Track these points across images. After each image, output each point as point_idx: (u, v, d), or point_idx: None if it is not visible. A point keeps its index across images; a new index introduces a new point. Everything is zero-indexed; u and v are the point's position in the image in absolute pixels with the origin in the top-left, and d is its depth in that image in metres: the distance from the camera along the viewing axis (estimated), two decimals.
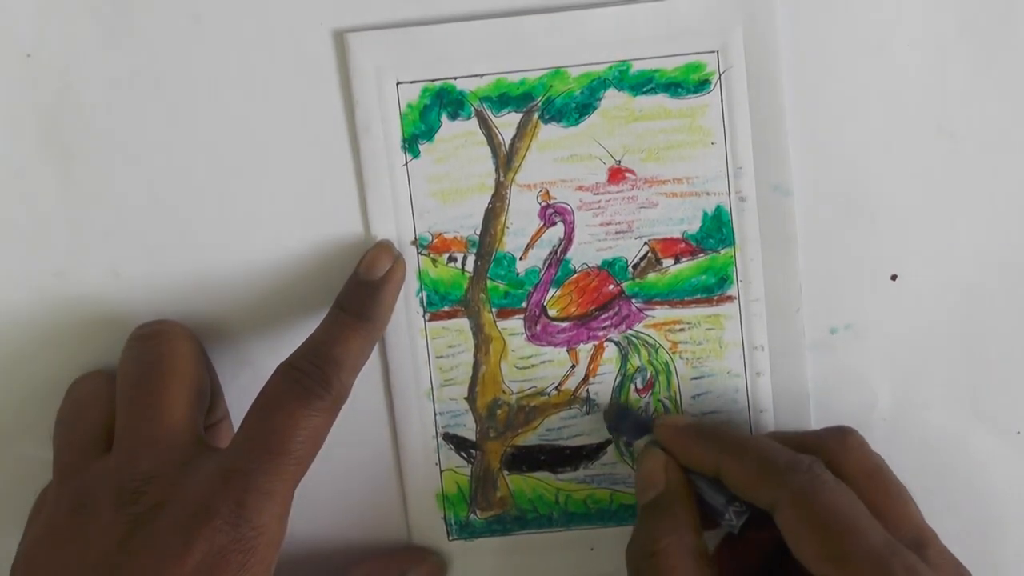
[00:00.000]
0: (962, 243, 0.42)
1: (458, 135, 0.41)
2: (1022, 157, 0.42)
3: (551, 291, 0.42)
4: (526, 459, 0.43)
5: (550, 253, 0.42)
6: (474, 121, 0.41)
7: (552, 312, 0.42)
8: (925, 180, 0.42)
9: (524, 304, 0.42)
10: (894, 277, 0.42)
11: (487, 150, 0.41)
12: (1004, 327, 0.43)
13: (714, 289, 0.42)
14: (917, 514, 0.38)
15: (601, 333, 0.42)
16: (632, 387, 0.43)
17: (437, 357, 0.43)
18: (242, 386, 0.42)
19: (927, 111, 0.41)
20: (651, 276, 0.42)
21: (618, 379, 0.43)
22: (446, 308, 0.42)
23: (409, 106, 0.41)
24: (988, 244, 0.42)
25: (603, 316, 0.42)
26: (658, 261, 0.42)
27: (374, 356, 0.42)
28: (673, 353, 0.42)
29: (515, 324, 0.42)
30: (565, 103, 0.41)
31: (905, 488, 0.38)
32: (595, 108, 0.41)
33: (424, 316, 0.42)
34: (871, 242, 0.42)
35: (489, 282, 0.42)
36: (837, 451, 0.38)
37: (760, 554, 0.40)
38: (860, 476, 0.37)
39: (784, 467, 0.36)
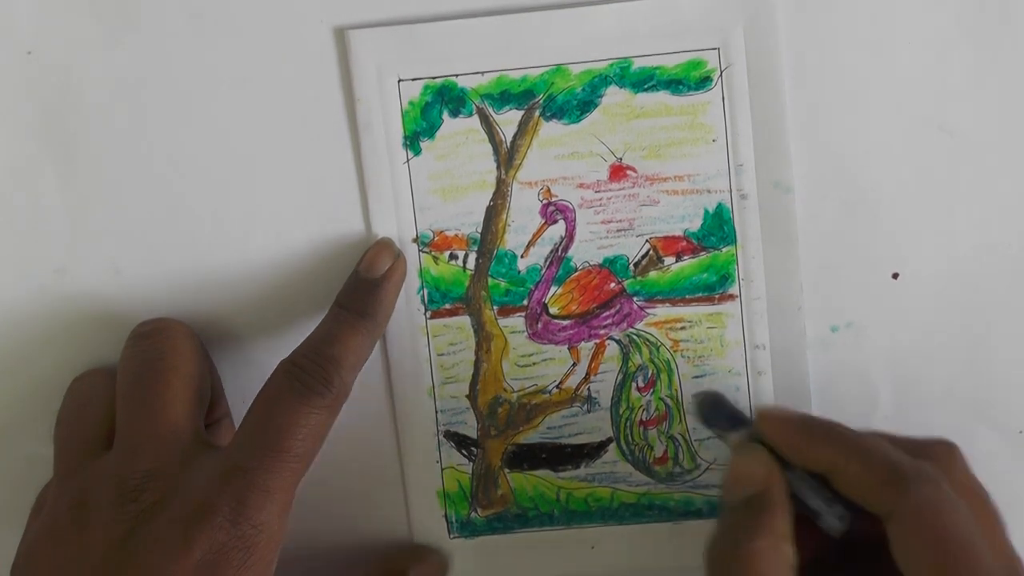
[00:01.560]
0: (964, 241, 0.42)
1: (459, 132, 0.41)
2: (1022, 154, 0.42)
3: (552, 289, 0.42)
4: (527, 457, 0.43)
5: (551, 251, 0.42)
6: (475, 118, 0.41)
7: (553, 310, 0.42)
8: (926, 178, 0.42)
9: (525, 302, 0.42)
10: (895, 275, 0.42)
11: (488, 147, 0.41)
12: (1006, 325, 0.42)
13: (715, 287, 0.42)
14: (1010, 543, 0.36)
15: (602, 331, 0.42)
16: (633, 385, 0.43)
17: (438, 355, 0.43)
18: (243, 384, 0.42)
19: (928, 108, 0.41)
20: (652, 274, 0.42)
21: (619, 377, 0.43)
22: (447, 306, 0.42)
23: (410, 103, 0.41)
24: (989, 242, 0.42)
25: (604, 314, 0.42)
26: (659, 259, 0.42)
27: (375, 354, 0.42)
28: (674, 351, 0.42)
29: (516, 322, 0.42)
30: (566, 100, 0.41)
31: (1001, 514, 0.37)
32: (596, 105, 0.41)
33: (425, 314, 0.42)
34: (872, 240, 0.42)
35: (490, 280, 0.42)
36: (947, 465, 0.37)
37: (825, 550, 0.38)
38: (966, 495, 0.36)
39: (910, 476, 0.35)
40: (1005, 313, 0.42)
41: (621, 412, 0.43)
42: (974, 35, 0.41)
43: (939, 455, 0.37)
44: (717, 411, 0.40)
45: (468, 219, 0.42)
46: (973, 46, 0.41)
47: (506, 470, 0.44)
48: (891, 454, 0.36)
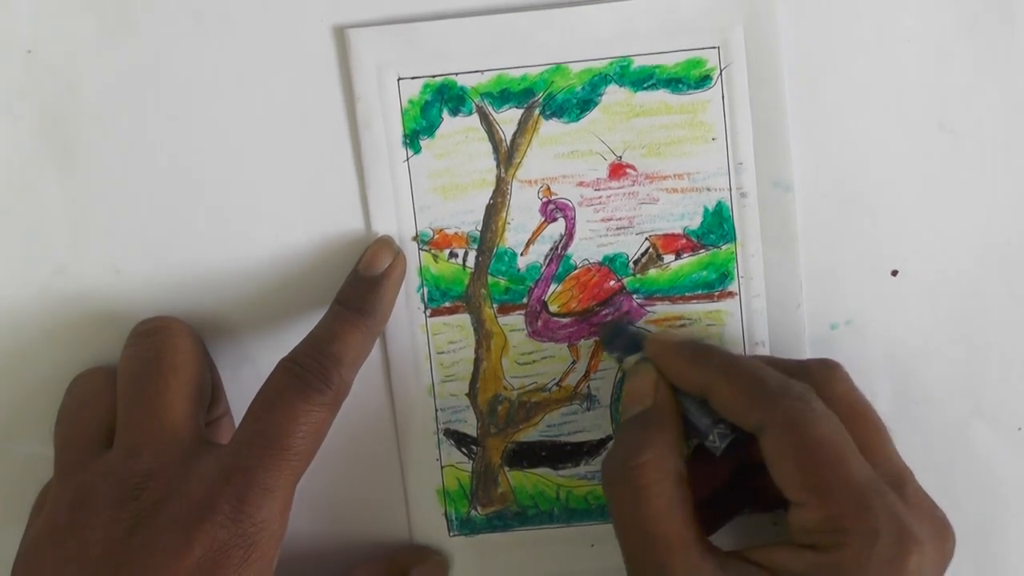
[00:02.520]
0: (963, 239, 0.42)
1: (459, 131, 0.41)
2: (1022, 153, 0.42)
3: (552, 287, 0.42)
4: (527, 455, 0.43)
5: (551, 249, 0.42)
6: (475, 117, 0.41)
7: (553, 308, 0.42)
8: (926, 176, 0.42)
9: (525, 300, 0.42)
10: (895, 273, 0.42)
11: (488, 146, 0.41)
12: (1005, 323, 0.43)
13: (715, 285, 0.42)
14: (896, 453, 0.37)
15: None
16: None
17: (438, 353, 0.43)
18: (243, 382, 0.42)
19: (928, 107, 0.41)
20: (652, 272, 0.42)
21: (619, 375, 0.43)
22: (447, 304, 0.42)
23: (410, 102, 0.41)
24: (989, 240, 0.42)
25: (604, 312, 0.42)
26: (659, 257, 0.42)
27: (375, 352, 0.42)
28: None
29: (516, 320, 0.42)
30: (566, 99, 0.41)
31: (886, 427, 0.38)
32: (596, 104, 0.41)
33: (425, 312, 0.42)
34: (872, 238, 0.42)
35: (490, 278, 0.42)
36: (824, 382, 0.38)
37: (726, 475, 0.40)
38: (845, 409, 0.37)
39: (776, 391, 0.36)
40: (1004, 311, 0.43)
41: (621, 410, 0.43)
42: (974, 33, 0.41)
43: (818, 373, 0.38)
44: (616, 336, 0.41)
45: (468, 217, 0.42)
46: (973, 44, 0.41)
47: (506, 468, 0.44)
48: (760, 373, 0.37)
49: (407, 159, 0.41)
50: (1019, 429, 0.43)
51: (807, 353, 0.42)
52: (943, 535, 0.36)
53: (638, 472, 0.36)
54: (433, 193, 0.42)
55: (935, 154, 0.41)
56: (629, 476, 0.36)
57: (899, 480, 0.36)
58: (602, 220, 0.42)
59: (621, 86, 0.41)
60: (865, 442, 0.36)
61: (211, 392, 0.41)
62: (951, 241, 0.42)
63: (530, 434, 0.43)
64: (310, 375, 0.37)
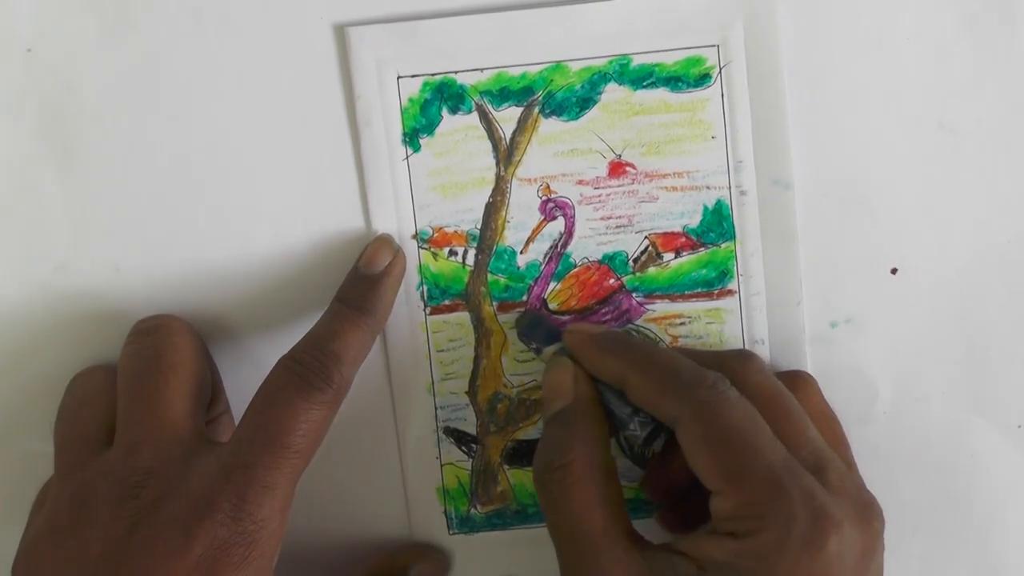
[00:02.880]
0: (962, 237, 0.42)
1: (459, 129, 0.41)
2: (1022, 151, 0.42)
3: (552, 285, 0.42)
4: (527, 453, 0.43)
5: (551, 247, 0.42)
6: (475, 115, 0.41)
7: (553, 306, 0.42)
8: (925, 174, 0.42)
9: (525, 298, 0.42)
10: (894, 271, 0.42)
11: (488, 144, 0.41)
12: (1004, 321, 0.43)
13: (714, 283, 0.42)
14: (818, 438, 0.37)
15: None
16: None
17: (438, 351, 0.43)
18: (243, 380, 0.42)
19: (927, 105, 0.41)
20: (651, 270, 0.42)
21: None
22: (447, 302, 0.42)
23: (410, 100, 0.41)
24: (988, 238, 0.42)
25: (604, 310, 0.42)
26: (658, 255, 0.42)
27: (375, 350, 0.42)
28: (674, 347, 0.42)
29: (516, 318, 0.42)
30: (566, 97, 0.41)
31: (804, 412, 0.38)
32: (595, 102, 0.41)
33: (425, 310, 0.42)
34: (871, 236, 0.42)
35: (490, 276, 0.42)
36: (739, 372, 0.38)
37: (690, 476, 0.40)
38: (760, 398, 0.37)
39: (688, 382, 0.36)
40: (1004, 308, 0.43)
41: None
42: (974, 32, 0.41)
43: (733, 362, 0.38)
44: (534, 328, 0.41)
45: (467, 215, 0.42)
46: (973, 43, 0.41)
47: (506, 466, 0.44)
48: (675, 364, 0.37)
49: (407, 157, 0.41)
50: (1019, 426, 0.43)
51: (807, 351, 0.42)
52: (866, 516, 0.36)
53: (564, 471, 0.37)
54: (433, 191, 0.42)
55: (935, 153, 0.41)
56: (556, 476, 0.37)
57: (820, 465, 0.36)
58: (601, 218, 0.42)
59: (620, 84, 0.41)
60: (784, 428, 0.37)
61: (211, 390, 0.41)
62: (951, 239, 0.42)
63: (530, 432, 0.43)
64: (310, 373, 0.37)
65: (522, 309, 0.42)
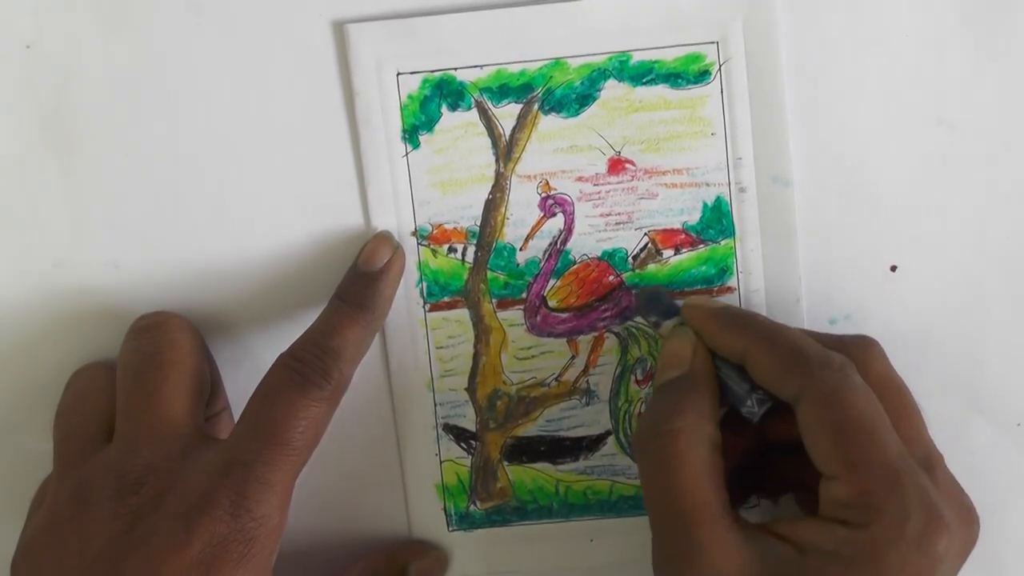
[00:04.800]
0: (962, 234, 0.42)
1: (458, 126, 0.41)
2: (1021, 148, 0.42)
3: (551, 282, 0.42)
4: (526, 450, 0.43)
5: (550, 244, 0.42)
6: (474, 112, 0.41)
7: (552, 303, 0.42)
8: (925, 171, 0.42)
9: (524, 295, 0.42)
10: (894, 268, 0.42)
11: (487, 141, 0.41)
12: (1003, 318, 0.43)
13: (714, 280, 0.42)
14: (928, 436, 0.37)
15: (601, 324, 0.42)
16: (632, 378, 0.43)
17: (437, 348, 0.43)
18: (242, 377, 0.42)
19: (927, 102, 0.41)
20: (651, 267, 0.42)
21: (618, 370, 0.43)
22: (446, 299, 0.42)
23: (409, 97, 0.41)
24: (988, 235, 0.42)
25: (603, 307, 0.42)
26: (658, 252, 0.42)
27: (374, 347, 0.42)
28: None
29: (515, 315, 0.42)
30: (565, 94, 0.41)
31: (920, 409, 0.38)
32: (595, 99, 0.41)
33: (424, 307, 0.42)
34: (871, 233, 0.42)
35: (489, 273, 0.42)
36: (861, 358, 0.37)
37: (752, 444, 0.40)
38: (880, 387, 0.37)
39: (816, 362, 0.36)
40: (1002, 306, 0.43)
41: (620, 405, 0.43)
42: (973, 28, 0.41)
43: (855, 349, 0.38)
44: (653, 302, 0.41)
45: (467, 212, 0.42)
46: (972, 39, 0.41)
47: (505, 463, 0.44)
48: (801, 342, 0.37)
49: (406, 154, 0.41)
50: (1018, 425, 0.43)
51: None
52: (969, 521, 0.36)
53: (672, 437, 0.36)
54: (432, 188, 0.42)
55: (934, 149, 0.41)
56: (662, 441, 0.36)
57: (930, 462, 0.36)
58: (601, 215, 0.42)
59: (620, 81, 0.41)
60: (899, 422, 0.36)
61: (210, 387, 0.41)
62: (950, 236, 0.42)
63: (529, 429, 0.43)
64: (309, 370, 0.37)
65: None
